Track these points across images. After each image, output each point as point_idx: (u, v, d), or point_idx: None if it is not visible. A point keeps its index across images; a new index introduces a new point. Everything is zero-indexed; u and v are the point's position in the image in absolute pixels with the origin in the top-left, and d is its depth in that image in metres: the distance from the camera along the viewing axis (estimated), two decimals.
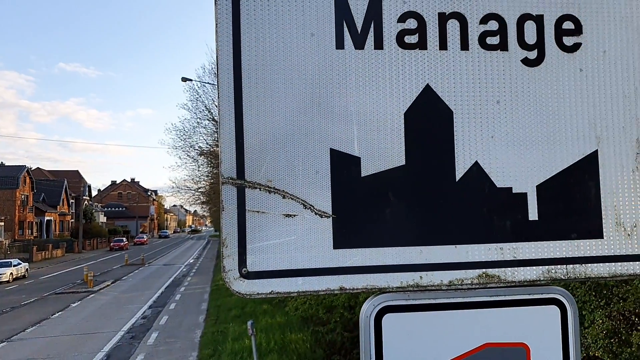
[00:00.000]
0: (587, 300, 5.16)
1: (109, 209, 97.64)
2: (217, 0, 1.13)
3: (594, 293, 5.22)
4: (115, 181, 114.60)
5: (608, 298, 5.11)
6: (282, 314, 17.79)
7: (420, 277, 1.17)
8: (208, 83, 35.70)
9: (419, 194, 1.19)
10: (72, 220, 68.53)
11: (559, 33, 1.26)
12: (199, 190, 43.00)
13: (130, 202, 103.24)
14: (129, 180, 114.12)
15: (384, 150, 1.18)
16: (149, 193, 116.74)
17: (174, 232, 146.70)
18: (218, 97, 1.14)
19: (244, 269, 1.13)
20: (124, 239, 67.47)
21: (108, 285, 28.34)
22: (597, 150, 1.25)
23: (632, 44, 1.27)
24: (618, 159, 1.26)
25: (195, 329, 17.03)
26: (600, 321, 4.81)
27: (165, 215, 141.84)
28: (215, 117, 37.98)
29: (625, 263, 1.25)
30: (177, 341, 15.36)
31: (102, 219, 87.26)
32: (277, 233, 1.14)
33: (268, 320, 16.71)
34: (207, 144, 40.50)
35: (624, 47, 1.27)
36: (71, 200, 68.54)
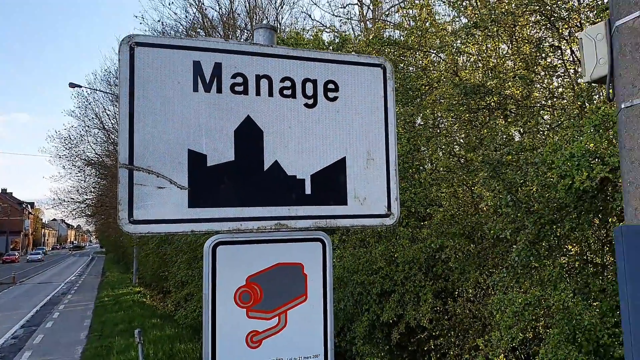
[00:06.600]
0: (423, 285, 6.47)
1: None
2: (120, 60, 1.91)
3: (429, 279, 6.56)
4: None
5: (435, 279, 6.47)
6: (171, 326, 17.65)
7: (241, 225, 2.03)
8: (100, 90, 34.01)
9: (241, 177, 2.05)
10: None
11: (326, 89, 2.22)
12: (85, 201, 40.24)
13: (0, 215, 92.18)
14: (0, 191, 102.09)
15: (221, 151, 2.04)
16: (24, 205, 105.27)
17: (53, 249, 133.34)
18: (119, 116, 1.92)
19: (132, 218, 1.90)
20: None
21: None
22: (345, 157, 2.23)
23: (364, 98, 2.28)
24: (356, 161, 2.24)
25: (76, 345, 16.28)
26: (430, 300, 6.11)
27: (44, 230, 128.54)
28: (106, 126, 36.19)
29: (359, 219, 2.23)
30: (54, 359, 14.63)
31: None
32: (153, 197, 1.93)
33: (157, 333, 16.53)
34: (95, 153, 38.20)
35: (360, 99, 2.28)
36: None
